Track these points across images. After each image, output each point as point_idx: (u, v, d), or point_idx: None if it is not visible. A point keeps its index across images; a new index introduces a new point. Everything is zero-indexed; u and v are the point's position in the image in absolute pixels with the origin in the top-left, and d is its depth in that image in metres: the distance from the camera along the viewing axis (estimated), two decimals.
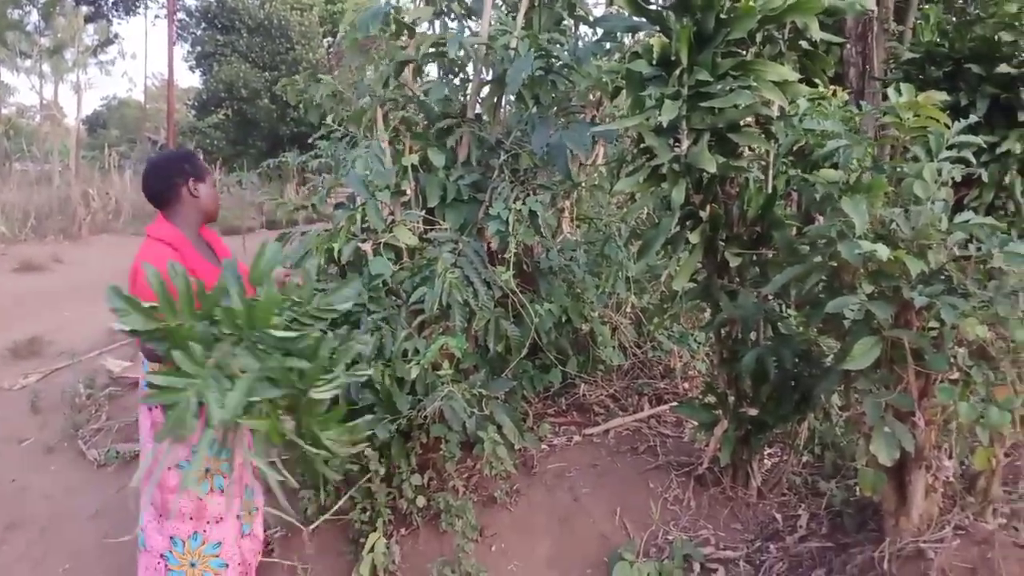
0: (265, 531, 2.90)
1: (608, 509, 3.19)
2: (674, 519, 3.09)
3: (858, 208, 2.22)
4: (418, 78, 3.72)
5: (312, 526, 3.12)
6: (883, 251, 2.05)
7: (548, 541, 3.09)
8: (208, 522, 2.56)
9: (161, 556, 2.58)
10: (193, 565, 2.55)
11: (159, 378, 1.63)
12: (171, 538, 2.56)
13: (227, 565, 2.60)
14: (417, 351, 3.01)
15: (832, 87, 3.23)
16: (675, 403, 4.00)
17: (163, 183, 2.58)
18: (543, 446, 3.64)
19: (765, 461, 3.31)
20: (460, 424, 2.93)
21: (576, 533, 3.10)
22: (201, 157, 2.75)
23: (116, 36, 26.24)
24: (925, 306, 2.07)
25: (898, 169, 2.39)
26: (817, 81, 3.02)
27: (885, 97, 2.46)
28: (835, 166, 2.72)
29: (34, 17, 23.46)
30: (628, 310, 4.50)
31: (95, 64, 24.89)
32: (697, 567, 2.79)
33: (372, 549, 2.86)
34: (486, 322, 3.24)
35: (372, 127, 3.48)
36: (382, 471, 3.00)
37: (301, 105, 4.63)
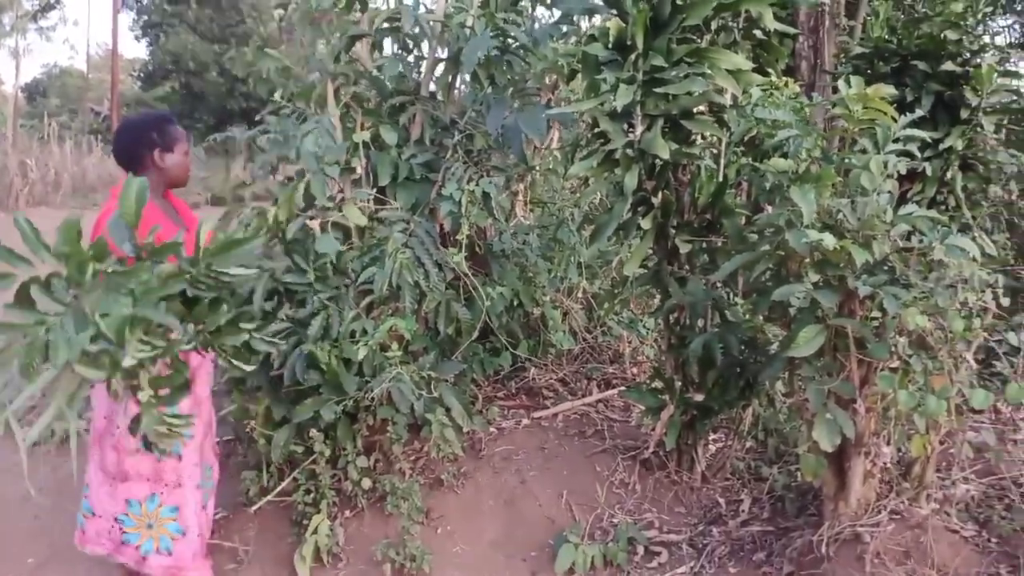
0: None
1: (555, 492, 3.21)
2: (619, 502, 3.12)
3: (806, 198, 2.25)
4: (374, 54, 3.65)
5: (254, 507, 3.08)
6: (829, 240, 2.09)
7: (494, 524, 3.09)
8: (167, 484, 2.53)
9: (115, 519, 2.54)
10: (150, 527, 2.52)
11: (15, 314, 1.60)
12: (127, 501, 2.53)
13: (184, 532, 2.55)
14: (365, 332, 2.97)
15: (784, 78, 3.26)
16: (623, 388, 4.03)
17: (130, 151, 2.59)
18: (491, 429, 3.64)
19: (710, 446, 3.36)
20: (408, 406, 2.91)
21: (522, 516, 3.11)
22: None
23: (58, 1, 25.31)
24: (869, 295, 2.11)
25: (846, 160, 2.43)
26: (770, 71, 3.05)
27: (835, 90, 2.50)
28: (785, 156, 2.75)
29: None
30: (579, 295, 4.51)
31: (35, 30, 23.97)
32: (641, 550, 2.82)
33: (316, 531, 2.83)
34: (437, 304, 3.21)
35: (322, 103, 3.41)
36: (327, 452, 2.96)
37: (250, 79, 4.50)
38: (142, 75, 24.11)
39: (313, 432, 2.92)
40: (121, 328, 1.58)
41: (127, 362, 1.59)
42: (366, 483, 2.98)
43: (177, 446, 2.42)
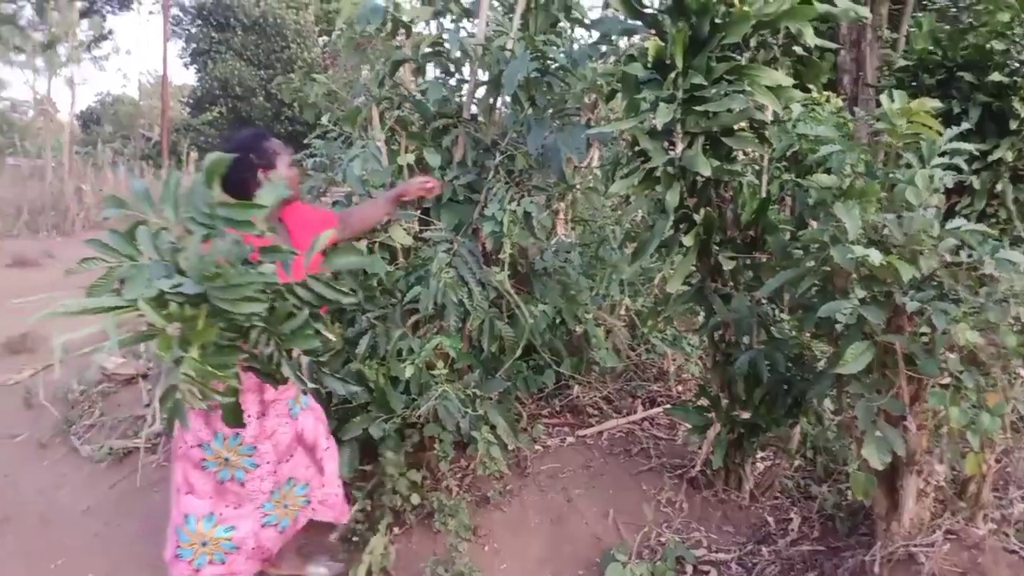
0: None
1: (601, 510, 3.20)
2: (667, 521, 3.10)
3: (851, 213, 2.23)
4: (418, 78, 3.72)
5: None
6: (875, 256, 2.07)
7: (541, 541, 3.10)
8: (227, 505, 2.55)
9: (175, 530, 2.58)
10: (204, 544, 2.55)
11: (119, 241, 1.67)
12: (185, 516, 2.55)
13: (238, 548, 2.57)
14: (412, 350, 3.02)
15: (826, 93, 3.25)
16: (668, 406, 4.01)
17: (237, 185, 2.42)
18: (536, 447, 3.65)
19: (757, 464, 3.33)
20: (454, 424, 2.94)
21: (569, 534, 3.11)
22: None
23: (110, 32, 26.17)
24: (917, 311, 2.09)
25: (891, 175, 2.40)
26: (811, 87, 3.04)
27: (879, 104, 2.47)
28: (828, 171, 2.73)
29: (28, 11, 23.35)
30: (622, 312, 4.51)
31: (89, 59, 24.77)
32: (690, 569, 2.80)
33: (371, 551, 2.86)
34: (480, 322, 3.24)
35: (367, 126, 3.48)
36: (407, 474, 3.01)
37: (296, 104, 4.62)
38: (191, 101, 24.75)
39: (386, 452, 2.97)
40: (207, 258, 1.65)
41: (187, 287, 1.63)
42: (415, 499, 3.01)
43: (240, 474, 2.50)
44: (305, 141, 4.74)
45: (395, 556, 2.97)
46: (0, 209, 12.20)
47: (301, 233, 2.61)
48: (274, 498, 2.61)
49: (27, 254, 9.81)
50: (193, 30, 23.99)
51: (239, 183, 2.43)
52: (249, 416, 2.44)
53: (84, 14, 22.64)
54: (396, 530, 3.10)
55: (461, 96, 3.65)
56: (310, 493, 2.72)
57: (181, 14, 25.33)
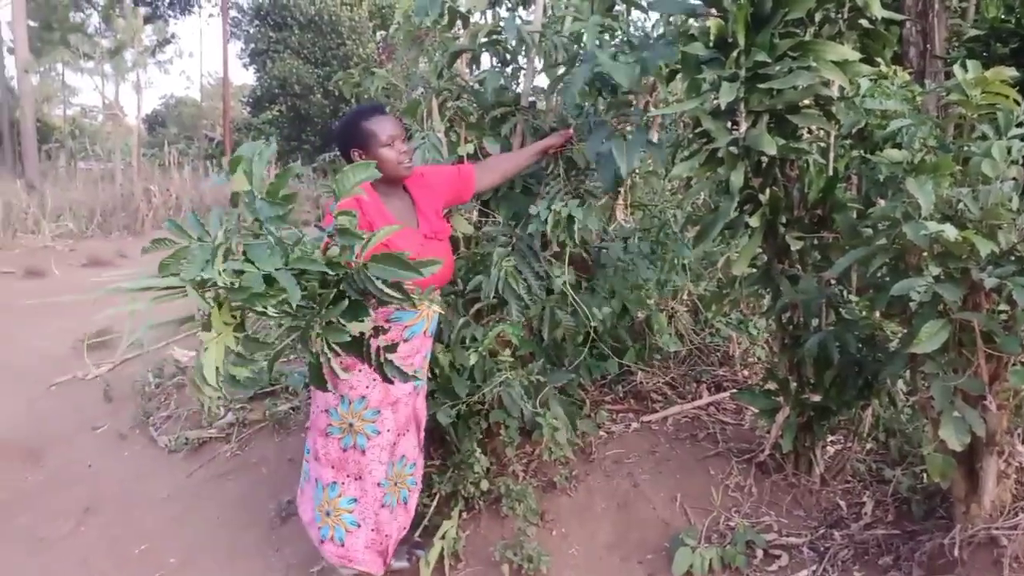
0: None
1: (668, 495, 3.19)
2: (735, 506, 3.07)
3: (924, 188, 2.17)
4: (472, 68, 3.74)
5: None
6: (951, 232, 2.01)
7: (608, 526, 3.10)
8: (348, 475, 2.62)
9: (311, 498, 2.70)
10: (328, 514, 2.63)
11: (192, 224, 1.68)
12: (316, 480, 2.65)
13: (359, 524, 2.64)
14: (475, 338, 3.05)
15: (893, 67, 3.15)
16: (735, 390, 3.97)
17: (343, 155, 2.61)
18: (601, 433, 3.65)
19: (828, 448, 3.27)
20: (518, 410, 2.97)
21: (636, 519, 3.11)
22: (380, 117, 2.54)
23: (173, 36, 26.91)
24: (995, 288, 2.02)
25: (965, 148, 2.33)
26: (878, 60, 2.95)
27: (947, 76, 2.40)
28: (898, 146, 2.66)
29: (95, 19, 24.17)
30: (685, 297, 4.47)
31: (154, 63, 25.62)
32: (760, 553, 2.77)
33: (444, 536, 2.92)
34: (541, 311, 3.25)
35: (426, 118, 3.51)
36: (483, 461, 3.05)
37: (355, 99, 4.68)
38: (251, 100, 25.24)
39: (463, 438, 3.03)
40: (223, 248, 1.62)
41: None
42: (484, 485, 3.05)
43: (362, 440, 2.59)
44: None
45: (465, 541, 3.02)
46: (74, 211, 12.67)
47: (426, 200, 2.67)
48: (390, 474, 2.66)
49: (101, 254, 10.19)
50: (251, 30, 24.47)
51: (344, 155, 2.57)
52: (375, 379, 2.51)
53: (148, 19, 23.35)
54: (465, 515, 3.15)
55: (518, 84, 3.66)
56: (416, 473, 2.79)
57: (239, 15, 25.92)
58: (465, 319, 3.11)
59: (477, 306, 3.17)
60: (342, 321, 1.77)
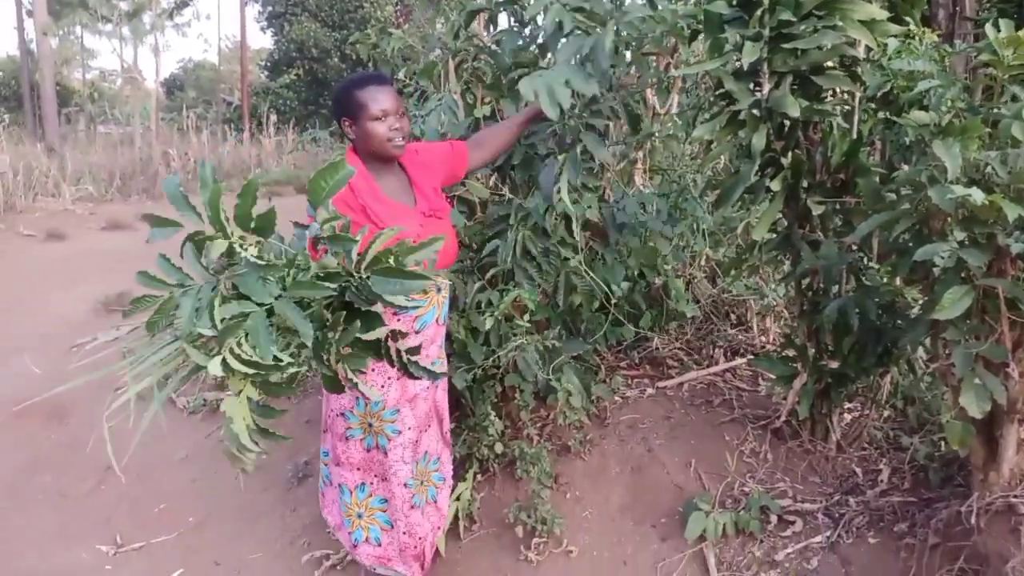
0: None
1: (682, 460, 3.19)
2: (750, 471, 3.07)
3: (951, 151, 2.11)
4: (490, 28, 3.68)
5: None
6: (978, 195, 1.96)
7: (622, 490, 3.11)
8: (375, 476, 2.55)
9: (336, 502, 2.62)
10: (360, 516, 2.56)
11: (167, 267, 1.57)
12: (340, 486, 2.57)
13: (393, 524, 2.57)
14: (490, 303, 3.04)
15: (922, 28, 3.07)
16: (752, 356, 3.95)
17: (336, 121, 2.45)
18: (616, 398, 3.65)
19: (845, 415, 3.25)
20: (533, 375, 2.96)
21: (650, 483, 3.11)
22: (272, 117, 2.52)
23: None
24: (1021, 253, 1.98)
25: (994, 111, 2.27)
26: (907, 20, 2.87)
27: (977, 38, 2.33)
28: (925, 108, 2.60)
29: None
30: (703, 263, 4.43)
31: (172, 27, 25.44)
32: (774, 519, 2.77)
33: (459, 498, 2.93)
34: (556, 276, 3.23)
35: (443, 79, 3.47)
36: (498, 424, 3.04)
37: (372, 61, 4.64)
38: (268, 64, 25.12)
39: (478, 401, 3.02)
40: (229, 326, 1.46)
41: (212, 368, 1.47)
42: (498, 448, 3.06)
43: (383, 441, 2.48)
44: None
45: (479, 503, 3.04)
46: (94, 175, 12.72)
47: (423, 177, 2.52)
48: (414, 473, 2.57)
49: (120, 218, 10.24)
50: None
51: (337, 122, 2.43)
52: (390, 378, 2.43)
53: None
54: (479, 477, 3.17)
55: (536, 44, 3.60)
56: (442, 468, 2.69)
57: None
58: (480, 283, 3.10)
59: (492, 271, 3.15)
60: (359, 339, 1.65)
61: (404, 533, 2.58)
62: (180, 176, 13.58)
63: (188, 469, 3.72)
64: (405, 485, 2.54)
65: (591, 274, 3.20)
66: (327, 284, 1.56)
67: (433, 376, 1.92)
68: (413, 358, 1.82)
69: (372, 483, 2.55)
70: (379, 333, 1.68)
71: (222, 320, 1.48)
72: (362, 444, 2.51)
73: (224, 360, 1.48)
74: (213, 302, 1.50)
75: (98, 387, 4.66)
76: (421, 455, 2.59)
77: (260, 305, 1.51)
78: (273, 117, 18.53)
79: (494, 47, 3.49)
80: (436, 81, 3.54)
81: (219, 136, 18.27)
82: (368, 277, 1.59)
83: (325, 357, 1.66)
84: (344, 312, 1.63)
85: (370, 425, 2.48)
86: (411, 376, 1.85)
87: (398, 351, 1.80)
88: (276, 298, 1.51)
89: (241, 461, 1.59)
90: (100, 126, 19.72)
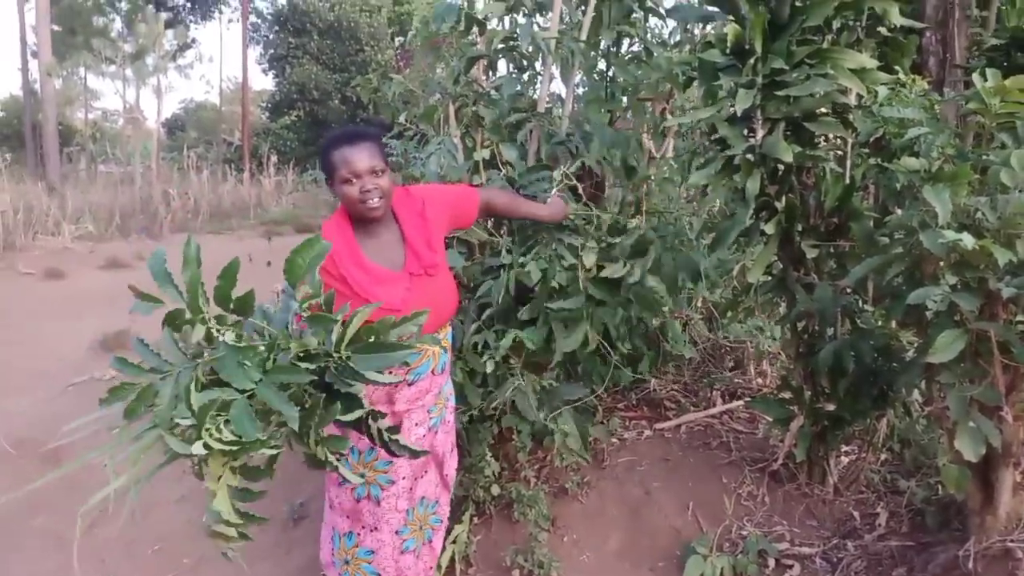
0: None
1: (680, 503, 3.18)
2: (748, 515, 3.06)
3: (941, 197, 2.15)
4: (489, 74, 3.75)
5: None
6: (968, 240, 2.00)
7: (620, 533, 3.09)
8: (363, 526, 2.45)
9: (329, 541, 2.55)
10: (347, 562, 2.48)
11: (144, 351, 1.55)
12: (332, 528, 2.51)
13: (379, 575, 2.49)
14: (487, 344, 3.04)
15: (912, 76, 3.14)
16: (749, 399, 3.95)
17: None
18: (613, 440, 3.64)
19: (842, 458, 3.25)
20: (532, 415, 2.96)
21: (648, 526, 3.10)
22: (272, 157, 2.48)
23: (194, 41, 27.21)
24: (1012, 297, 2.01)
25: (983, 157, 2.32)
26: (897, 69, 2.94)
27: (967, 86, 2.38)
28: (916, 155, 2.65)
29: (117, 24, 24.43)
30: (699, 305, 4.45)
31: (174, 68, 25.86)
32: (772, 562, 2.76)
33: (455, 540, 2.91)
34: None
35: (443, 123, 3.53)
36: (494, 465, 3.03)
37: (372, 105, 4.71)
38: (269, 106, 25.44)
39: (476, 444, 3.00)
40: (206, 409, 1.45)
41: (195, 448, 1.45)
42: (495, 490, 3.04)
43: (376, 490, 2.40)
44: (383, 140, 4.83)
45: (476, 546, 3.02)
46: (95, 214, 12.79)
47: (417, 231, 2.38)
48: (409, 520, 2.49)
49: (119, 256, 10.27)
50: (271, 36, 24.66)
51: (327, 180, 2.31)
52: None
53: (169, 24, 23.57)
54: (476, 520, 3.15)
55: (535, 90, 3.67)
56: (439, 511, 2.62)
57: (259, 21, 26.12)
58: (477, 324, 3.11)
59: (489, 311, 3.17)
60: (340, 421, 1.63)
61: None
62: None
63: (184, 510, 3.68)
64: (396, 532, 2.47)
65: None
66: (308, 366, 1.54)
67: (415, 454, 1.87)
68: (394, 437, 1.79)
69: (360, 533, 2.47)
70: (358, 414, 1.65)
71: (200, 407, 1.47)
72: (352, 493, 2.43)
73: (204, 443, 1.47)
74: (190, 388, 1.48)
75: (92, 428, 4.65)
76: (418, 500, 2.51)
77: (240, 392, 1.49)
78: (273, 157, 18.73)
79: (493, 92, 3.56)
80: (436, 125, 3.60)
81: (219, 176, 18.41)
82: (348, 357, 1.55)
83: (306, 439, 1.64)
84: (324, 394, 1.61)
85: (362, 475, 2.39)
86: (392, 454, 1.83)
87: (379, 430, 1.76)
88: (257, 382, 1.49)
89: (225, 538, 1.57)
90: (101, 165, 19.85)
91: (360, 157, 2.21)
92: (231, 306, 1.57)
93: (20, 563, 3.33)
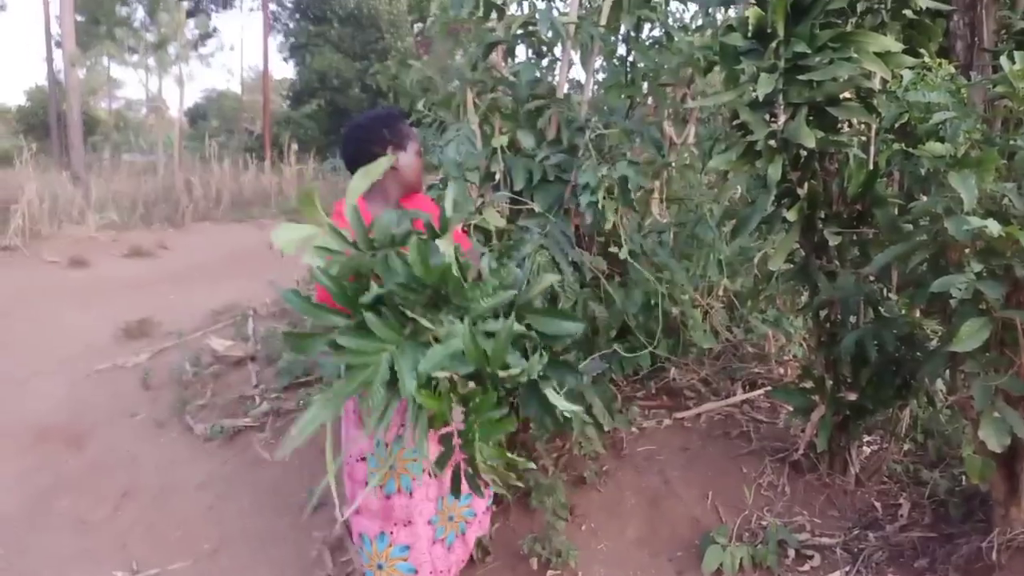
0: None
1: (699, 493, 3.16)
2: (768, 505, 3.03)
3: (967, 183, 2.11)
4: (508, 60, 3.73)
5: None
6: (994, 227, 1.96)
7: (638, 522, 3.08)
8: (395, 523, 2.42)
9: (359, 548, 2.53)
10: (380, 567, 2.44)
11: (348, 339, 1.59)
12: (360, 535, 2.48)
13: (416, 571, 2.46)
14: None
15: (939, 60, 3.08)
16: (770, 388, 3.92)
17: (361, 151, 2.34)
18: (633, 429, 3.63)
19: (864, 448, 3.21)
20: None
21: (666, 515, 3.08)
22: (293, 146, 2.60)
23: (215, 30, 27.29)
24: None
25: (1011, 142, 2.27)
26: (922, 52, 2.88)
27: (995, 70, 2.33)
28: (942, 140, 2.59)
29: (140, 13, 24.57)
30: (720, 293, 4.41)
31: (196, 57, 25.89)
32: (792, 553, 2.73)
33: None
34: (573, 303, 3.23)
35: (461, 110, 3.51)
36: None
37: (391, 92, 4.70)
38: (290, 94, 25.50)
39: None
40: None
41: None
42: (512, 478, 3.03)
43: (406, 481, 2.37)
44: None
45: (493, 534, 3.02)
46: (118, 203, 12.89)
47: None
48: (439, 509, 2.48)
49: (142, 245, 10.35)
50: (291, 24, 24.70)
51: (370, 157, 2.23)
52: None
53: (191, 14, 23.71)
54: (493, 508, 3.14)
55: (554, 76, 3.64)
56: (473, 504, 2.60)
57: (280, 9, 26.14)
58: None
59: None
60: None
61: (430, 572, 2.48)
62: (203, 204, 13.77)
63: (205, 496, 3.72)
64: (429, 522, 2.45)
65: (605, 284, 3.18)
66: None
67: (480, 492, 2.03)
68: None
69: (392, 531, 2.43)
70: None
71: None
72: (381, 491, 2.40)
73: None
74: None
75: (115, 414, 4.71)
76: (447, 489, 2.42)
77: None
78: (294, 146, 18.74)
79: (512, 79, 3.53)
80: (455, 112, 3.58)
81: (240, 165, 18.50)
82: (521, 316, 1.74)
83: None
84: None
85: (391, 468, 2.36)
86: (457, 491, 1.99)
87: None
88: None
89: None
90: (125, 155, 20.01)
91: None
92: None
93: (44, 547, 3.38)
